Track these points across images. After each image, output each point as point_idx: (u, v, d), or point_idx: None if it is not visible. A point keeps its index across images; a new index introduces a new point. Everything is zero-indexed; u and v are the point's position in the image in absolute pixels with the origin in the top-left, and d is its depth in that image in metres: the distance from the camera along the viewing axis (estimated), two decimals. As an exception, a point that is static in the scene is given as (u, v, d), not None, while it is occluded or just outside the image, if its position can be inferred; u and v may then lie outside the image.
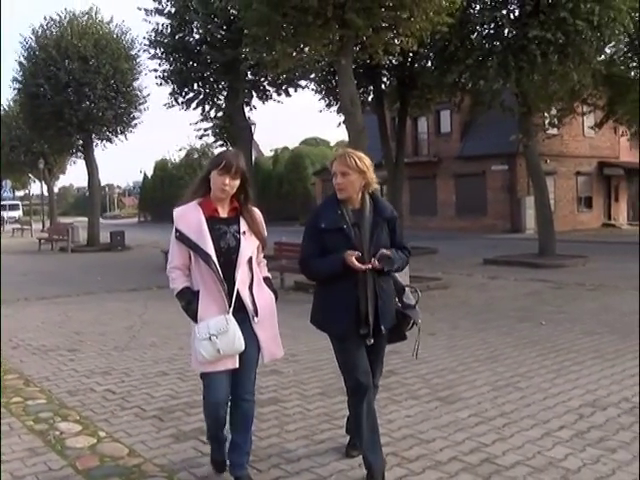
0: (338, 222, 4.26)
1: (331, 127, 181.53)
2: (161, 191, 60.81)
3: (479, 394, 6.15)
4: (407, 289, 4.59)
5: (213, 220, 4.11)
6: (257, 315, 4.15)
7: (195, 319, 4.07)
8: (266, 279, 4.39)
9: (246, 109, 21.28)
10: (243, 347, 4.04)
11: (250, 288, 4.17)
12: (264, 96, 21.41)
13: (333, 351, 4.50)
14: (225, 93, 20.83)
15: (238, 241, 4.12)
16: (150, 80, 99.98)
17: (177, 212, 4.15)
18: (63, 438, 5.22)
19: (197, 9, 18.93)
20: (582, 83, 19.49)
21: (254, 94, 21.28)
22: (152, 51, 20.51)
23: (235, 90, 20.12)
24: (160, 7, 19.85)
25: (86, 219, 32.59)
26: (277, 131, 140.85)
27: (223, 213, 4.19)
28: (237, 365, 4.09)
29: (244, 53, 18.57)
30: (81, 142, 29.99)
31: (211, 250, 4.00)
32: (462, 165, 35.83)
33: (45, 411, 5.94)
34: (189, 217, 4.09)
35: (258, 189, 22.55)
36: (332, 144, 80.00)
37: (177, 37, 20.01)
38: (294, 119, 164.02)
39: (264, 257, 4.50)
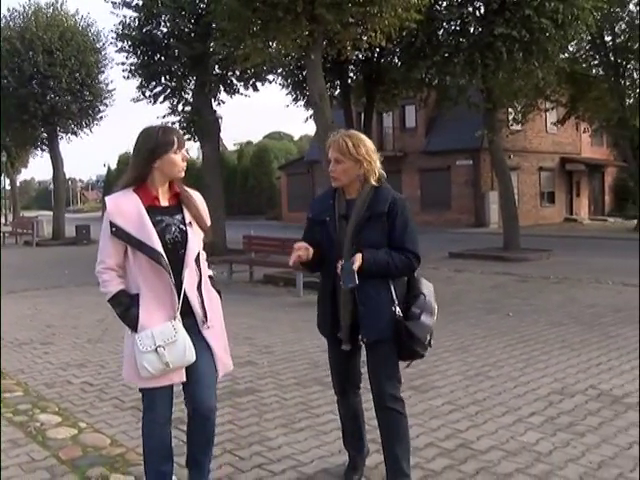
0: (324, 213, 3.88)
1: (294, 121, 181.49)
2: (125, 185, 60.30)
3: (451, 383, 6.31)
4: (425, 296, 3.87)
5: (153, 210, 3.52)
6: (207, 320, 3.60)
7: (135, 327, 3.48)
8: (210, 278, 3.79)
9: (214, 103, 21.25)
10: (194, 358, 3.51)
11: (199, 289, 3.62)
12: (231, 90, 21.40)
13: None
14: (193, 87, 20.79)
15: (184, 234, 3.56)
16: (116, 73, 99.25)
17: (111, 202, 3.50)
18: (44, 429, 5.25)
19: (165, 2, 18.83)
20: (546, 80, 19.86)
21: (221, 88, 21.25)
22: (119, 44, 20.33)
23: (203, 84, 20.09)
24: (127, 0, 19.73)
25: (49, 213, 32.35)
26: (240, 125, 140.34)
27: (164, 201, 3.61)
28: (184, 379, 3.56)
29: (212, 47, 18.56)
30: (45, 135, 29.70)
31: (159, 246, 3.43)
32: (427, 160, 36.17)
33: (23, 403, 5.96)
34: (126, 208, 3.47)
35: (223, 183, 22.46)
36: (296, 138, 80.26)
37: (145, 30, 19.84)
38: (257, 113, 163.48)
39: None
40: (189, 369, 3.56)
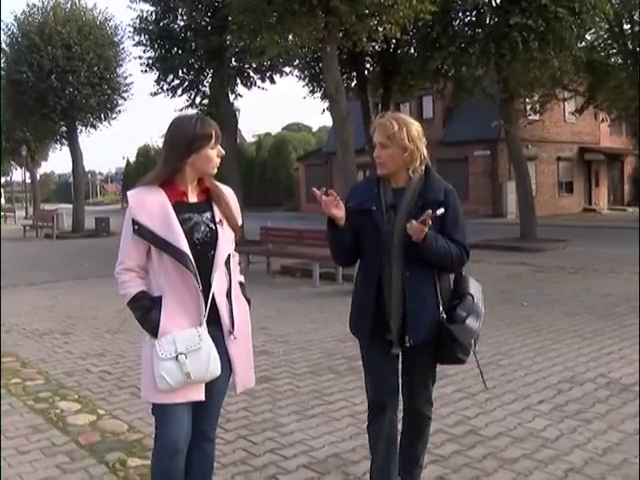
0: (368, 202, 3.51)
1: (313, 112, 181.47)
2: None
3: (463, 371, 6.35)
4: (473, 297, 3.55)
5: (181, 207, 3.16)
6: (234, 331, 3.22)
7: (155, 333, 3.08)
8: (240, 284, 3.42)
9: (231, 96, 21.41)
10: (219, 372, 3.13)
11: (228, 295, 3.26)
12: (249, 83, 21.55)
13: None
14: (210, 80, 20.96)
15: (214, 233, 3.20)
16: (134, 67, 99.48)
17: (133, 197, 3.16)
18: (64, 416, 5.42)
19: (182, -4, 19.04)
20: (562, 69, 19.80)
21: (239, 81, 21.41)
22: (136, 38, 20.56)
23: (220, 77, 20.24)
24: (144, -6, 19.95)
25: (69, 206, 32.67)
26: (259, 117, 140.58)
27: (192, 197, 3.25)
28: (203, 397, 3.15)
29: (229, 40, 18.68)
30: (65, 129, 30.01)
31: (186, 247, 3.08)
32: (444, 151, 36.03)
33: (44, 391, 6.14)
34: (150, 204, 3.12)
35: (241, 175, 22.60)
36: (315, 129, 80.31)
37: (162, 24, 20.07)
38: (276, 105, 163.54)
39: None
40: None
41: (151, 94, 21.34)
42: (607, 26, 25.48)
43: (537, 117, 28.78)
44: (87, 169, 62.27)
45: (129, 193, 3.19)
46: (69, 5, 27.79)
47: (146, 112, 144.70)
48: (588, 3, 17.32)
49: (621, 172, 43.41)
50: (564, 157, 37.82)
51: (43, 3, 27.57)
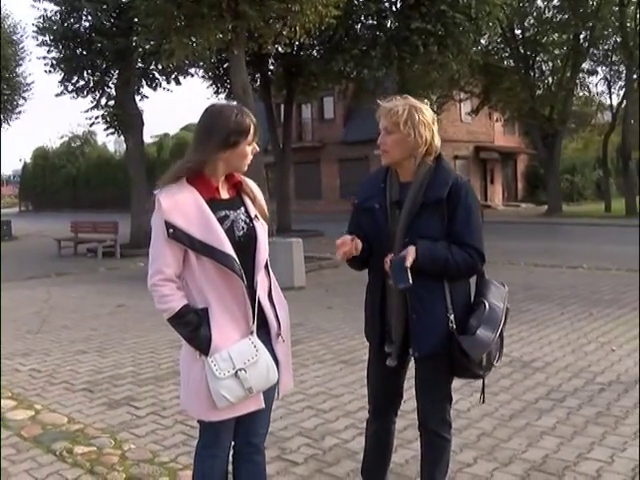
0: (372, 200, 3.24)
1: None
2: (42, 179, 59.39)
3: (379, 357, 6.86)
4: (486, 305, 3.16)
5: (215, 204, 2.89)
6: (281, 332, 3.02)
7: (207, 351, 2.80)
8: None
9: (137, 97, 21.40)
10: (276, 379, 2.93)
11: (270, 296, 3.02)
12: (154, 84, 21.59)
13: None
14: (116, 81, 20.88)
15: (253, 230, 2.95)
16: (35, 67, 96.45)
17: (165, 197, 2.82)
18: (1, 412, 5.54)
19: (87, -4, 18.93)
20: (460, 72, 20.75)
21: (144, 82, 21.41)
22: (40, 38, 20.25)
23: (126, 78, 20.21)
24: (48, -7, 19.71)
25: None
26: (157, 118, 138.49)
27: (224, 192, 2.99)
28: (263, 405, 2.95)
29: (136, 41, 18.72)
30: (-38, 130, 29.18)
31: (231, 250, 2.81)
32: (345, 150, 36.92)
33: (-25, 391, 6.25)
34: (185, 204, 2.81)
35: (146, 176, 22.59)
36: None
37: (66, 24, 19.85)
38: (173, 106, 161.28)
39: None
40: None
41: (55, 95, 21.05)
42: (500, 31, 26.77)
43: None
44: (-20, 172, 60.31)
45: (159, 193, 2.84)
46: (-36, 2, 27.07)
47: (47, 113, 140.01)
48: (483, 10, 18.27)
49: (514, 170, 45.34)
50: (461, 155, 39.19)
51: None
